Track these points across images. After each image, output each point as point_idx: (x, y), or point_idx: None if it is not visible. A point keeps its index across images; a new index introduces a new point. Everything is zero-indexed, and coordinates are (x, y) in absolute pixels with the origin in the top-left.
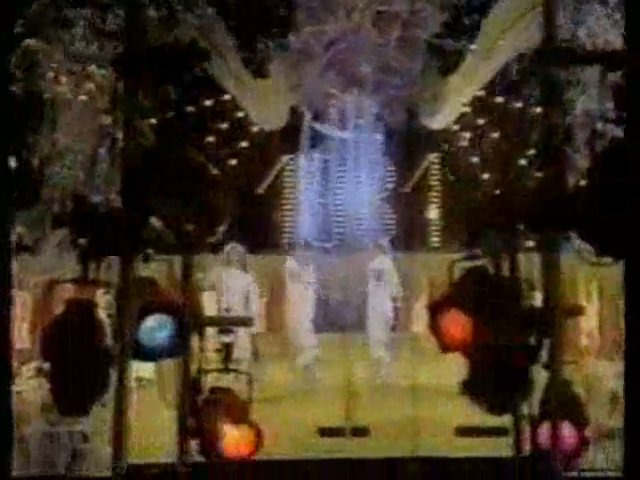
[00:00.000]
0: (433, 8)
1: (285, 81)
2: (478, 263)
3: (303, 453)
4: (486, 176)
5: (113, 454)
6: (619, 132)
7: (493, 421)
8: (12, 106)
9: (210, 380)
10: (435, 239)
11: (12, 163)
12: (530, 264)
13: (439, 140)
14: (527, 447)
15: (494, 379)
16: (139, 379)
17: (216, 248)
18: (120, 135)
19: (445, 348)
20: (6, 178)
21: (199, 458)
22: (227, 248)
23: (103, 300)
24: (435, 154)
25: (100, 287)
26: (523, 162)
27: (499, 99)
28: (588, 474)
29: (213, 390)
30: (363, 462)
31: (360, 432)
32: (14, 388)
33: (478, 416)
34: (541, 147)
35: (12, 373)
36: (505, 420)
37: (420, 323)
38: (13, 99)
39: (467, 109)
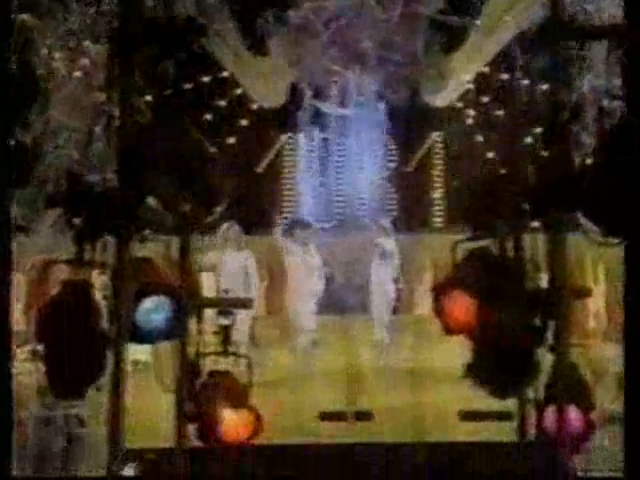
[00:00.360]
0: None
1: (285, 58)
2: (482, 244)
3: (304, 438)
4: (490, 155)
5: (109, 439)
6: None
7: (498, 405)
8: (11, 85)
9: (209, 363)
10: (438, 219)
11: (12, 142)
12: (535, 245)
13: (442, 118)
14: (532, 432)
15: (498, 362)
16: (136, 362)
17: (214, 228)
18: (116, 112)
19: (449, 331)
20: (6, 157)
21: (197, 443)
22: (225, 228)
23: (99, 281)
24: (438, 132)
25: (96, 268)
26: (528, 140)
27: (504, 76)
28: (589, 474)
29: (212, 374)
30: (366, 447)
31: (363, 416)
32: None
33: (482, 400)
34: (547, 125)
35: (12, 359)
36: (510, 404)
37: (423, 305)
38: (13, 77)
39: (471, 86)
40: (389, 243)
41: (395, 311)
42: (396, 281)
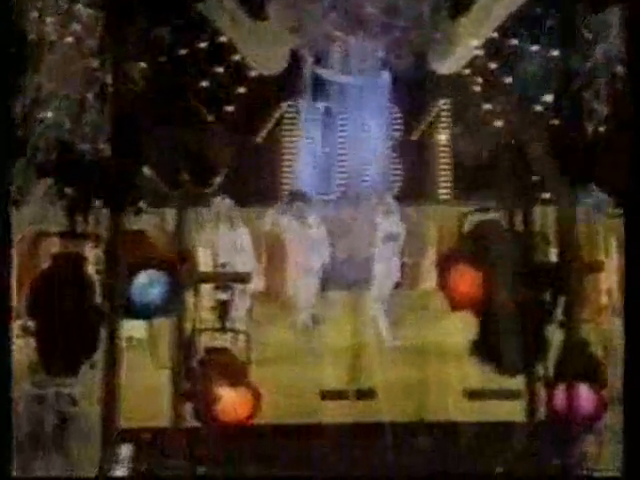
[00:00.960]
0: None
1: (285, 23)
2: (490, 216)
3: (304, 417)
4: (499, 124)
5: (103, 418)
6: None
7: (505, 383)
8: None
9: (206, 340)
10: (444, 191)
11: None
12: (545, 217)
13: (449, 85)
14: (542, 411)
15: (506, 339)
16: (130, 339)
17: (211, 200)
18: (109, 79)
19: (455, 306)
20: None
21: (194, 422)
22: (222, 200)
23: (92, 255)
24: (445, 100)
25: (89, 241)
26: (539, 109)
27: (514, 41)
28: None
29: (209, 350)
30: (368, 426)
31: (365, 395)
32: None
33: (489, 378)
34: (558, 92)
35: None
36: (518, 382)
37: (428, 280)
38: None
39: (479, 52)
40: (394, 224)
41: (398, 286)
42: (400, 255)
